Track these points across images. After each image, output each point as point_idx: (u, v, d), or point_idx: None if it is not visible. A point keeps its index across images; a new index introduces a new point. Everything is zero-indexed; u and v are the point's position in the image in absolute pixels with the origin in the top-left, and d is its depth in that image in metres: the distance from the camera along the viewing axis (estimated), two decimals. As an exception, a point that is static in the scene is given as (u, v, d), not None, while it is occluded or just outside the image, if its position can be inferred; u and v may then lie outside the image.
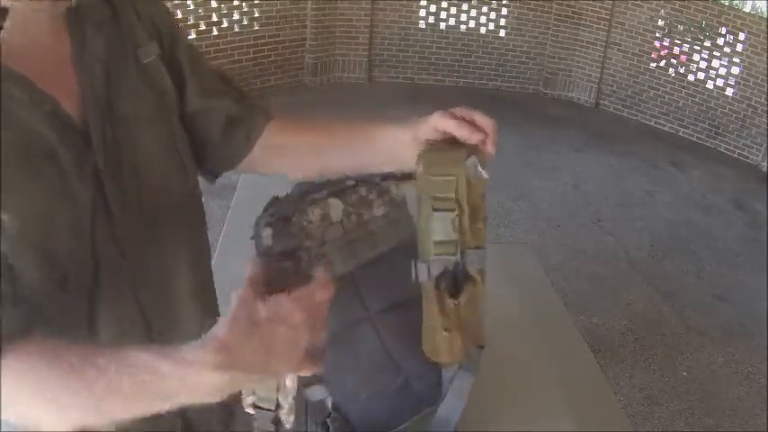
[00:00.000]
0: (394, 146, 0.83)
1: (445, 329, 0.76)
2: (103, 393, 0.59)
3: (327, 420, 0.95)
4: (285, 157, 0.94)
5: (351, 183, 0.91)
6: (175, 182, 0.82)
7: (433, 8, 6.27)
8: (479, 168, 0.74)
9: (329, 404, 0.96)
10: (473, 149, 0.75)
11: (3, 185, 0.61)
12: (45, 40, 0.68)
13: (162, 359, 0.60)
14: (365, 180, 0.92)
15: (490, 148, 0.76)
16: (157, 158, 0.79)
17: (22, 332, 0.62)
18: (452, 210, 0.72)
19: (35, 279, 0.66)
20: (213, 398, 0.61)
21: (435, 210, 0.72)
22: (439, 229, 0.72)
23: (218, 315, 0.99)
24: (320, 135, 0.92)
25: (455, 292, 0.76)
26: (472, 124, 0.76)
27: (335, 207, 0.89)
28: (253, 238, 0.84)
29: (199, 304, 0.90)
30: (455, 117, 0.76)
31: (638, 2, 5.92)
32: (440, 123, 0.77)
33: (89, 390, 0.59)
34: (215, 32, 5.18)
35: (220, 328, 0.60)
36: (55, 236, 0.67)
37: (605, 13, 6.06)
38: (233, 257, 0.98)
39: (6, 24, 0.63)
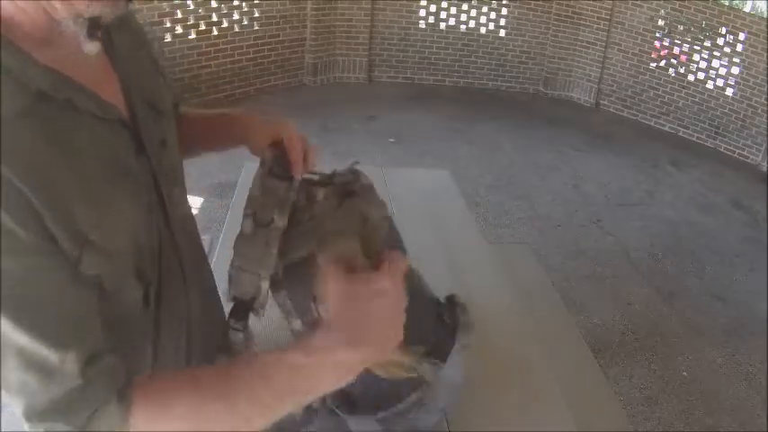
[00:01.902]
0: (243, 138, 0.90)
1: None
2: (247, 406, 0.59)
3: None
4: None
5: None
6: (183, 174, 0.85)
7: (433, 8, 6.27)
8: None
9: None
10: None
11: (105, 209, 0.59)
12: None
13: (295, 353, 0.60)
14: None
15: (296, 170, 0.81)
16: (177, 153, 0.81)
17: (127, 378, 0.58)
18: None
19: (134, 304, 0.65)
20: (349, 376, 0.62)
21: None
22: None
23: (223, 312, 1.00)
24: (192, 127, 0.95)
25: None
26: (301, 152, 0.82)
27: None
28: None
29: (215, 295, 0.94)
30: (295, 142, 0.82)
31: (638, 2, 5.92)
32: (286, 137, 0.82)
33: (233, 407, 0.58)
34: (215, 32, 5.18)
35: (330, 314, 0.63)
36: (141, 250, 0.66)
37: (605, 13, 6.06)
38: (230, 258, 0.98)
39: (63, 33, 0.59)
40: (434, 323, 0.97)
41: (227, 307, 0.80)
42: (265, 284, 0.77)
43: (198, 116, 0.98)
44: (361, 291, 0.63)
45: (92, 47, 0.60)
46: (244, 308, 0.78)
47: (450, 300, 1.01)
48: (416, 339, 0.87)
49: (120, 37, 0.72)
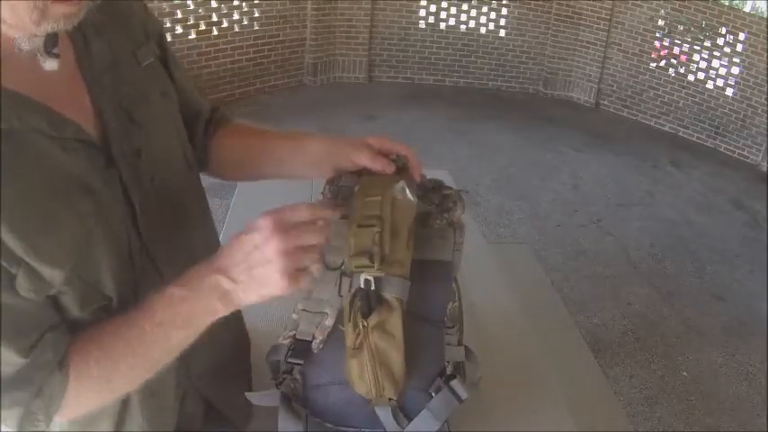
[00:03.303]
0: (314, 160, 0.87)
1: (353, 348, 0.78)
2: (140, 345, 0.66)
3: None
4: (223, 167, 0.96)
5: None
6: (185, 182, 0.83)
7: (433, 8, 6.27)
8: (408, 192, 0.77)
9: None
10: (405, 176, 0.80)
11: (42, 237, 0.59)
12: None
13: (172, 286, 0.66)
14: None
15: (415, 174, 0.83)
16: (168, 159, 0.79)
17: (67, 342, 0.65)
18: (373, 225, 0.73)
19: (79, 311, 0.66)
20: (217, 303, 0.66)
21: (359, 226, 0.74)
22: (359, 243, 0.73)
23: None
24: (255, 147, 0.94)
25: (368, 314, 0.77)
26: (389, 154, 0.83)
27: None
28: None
29: None
30: (371, 151, 0.82)
31: (638, 2, 5.92)
32: (356, 157, 0.82)
33: (130, 349, 0.65)
34: (215, 32, 5.18)
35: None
36: (98, 264, 0.66)
37: (605, 13, 6.06)
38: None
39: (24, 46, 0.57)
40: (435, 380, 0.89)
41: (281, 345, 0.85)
42: (330, 322, 0.80)
43: (260, 131, 0.95)
44: (244, 234, 0.67)
45: (51, 64, 0.59)
46: (304, 347, 0.81)
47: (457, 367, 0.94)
48: (417, 377, 0.86)
49: (100, 42, 0.69)
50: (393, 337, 0.78)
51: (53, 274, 0.60)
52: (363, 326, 0.77)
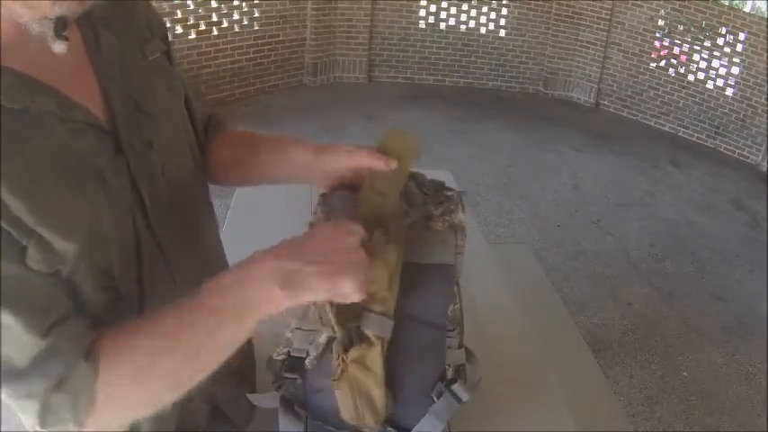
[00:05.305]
0: (301, 166, 0.86)
1: (333, 379, 0.79)
2: (187, 337, 0.62)
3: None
4: (214, 174, 0.96)
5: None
6: (192, 173, 0.84)
7: (433, 8, 6.27)
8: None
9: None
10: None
11: (54, 209, 0.59)
12: None
13: (222, 275, 0.64)
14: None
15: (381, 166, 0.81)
16: (177, 152, 0.80)
17: (92, 335, 0.62)
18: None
19: (91, 295, 0.65)
20: (275, 302, 0.62)
21: None
22: None
23: None
24: (244, 159, 0.94)
25: (349, 347, 0.78)
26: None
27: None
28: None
29: None
30: (363, 151, 0.81)
31: (638, 2, 5.92)
32: (351, 159, 0.82)
33: (176, 342, 0.62)
34: (215, 32, 5.18)
35: None
36: (108, 249, 0.66)
37: (605, 13, 6.06)
38: (232, 258, 0.98)
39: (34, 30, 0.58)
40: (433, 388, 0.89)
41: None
42: (323, 339, 0.80)
43: (252, 138, 0.95)
44: (307, 232, 0.68)
45: (60, 47, 0.59)
46: (297, 363, 0.83)
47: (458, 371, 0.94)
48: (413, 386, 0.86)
49: (109, 34, 0.70)
50: (373, 372, 0.79)
51: (66, 247, 0.60)
52: (343, 360, 0.78)
